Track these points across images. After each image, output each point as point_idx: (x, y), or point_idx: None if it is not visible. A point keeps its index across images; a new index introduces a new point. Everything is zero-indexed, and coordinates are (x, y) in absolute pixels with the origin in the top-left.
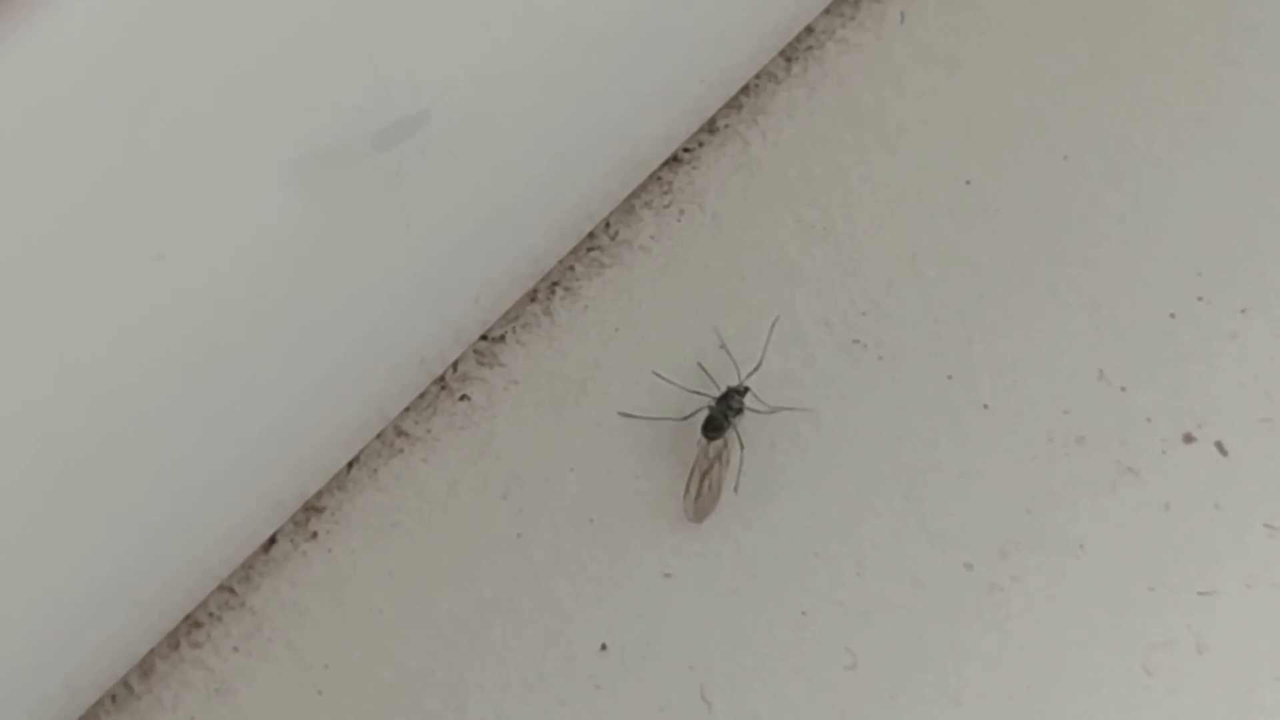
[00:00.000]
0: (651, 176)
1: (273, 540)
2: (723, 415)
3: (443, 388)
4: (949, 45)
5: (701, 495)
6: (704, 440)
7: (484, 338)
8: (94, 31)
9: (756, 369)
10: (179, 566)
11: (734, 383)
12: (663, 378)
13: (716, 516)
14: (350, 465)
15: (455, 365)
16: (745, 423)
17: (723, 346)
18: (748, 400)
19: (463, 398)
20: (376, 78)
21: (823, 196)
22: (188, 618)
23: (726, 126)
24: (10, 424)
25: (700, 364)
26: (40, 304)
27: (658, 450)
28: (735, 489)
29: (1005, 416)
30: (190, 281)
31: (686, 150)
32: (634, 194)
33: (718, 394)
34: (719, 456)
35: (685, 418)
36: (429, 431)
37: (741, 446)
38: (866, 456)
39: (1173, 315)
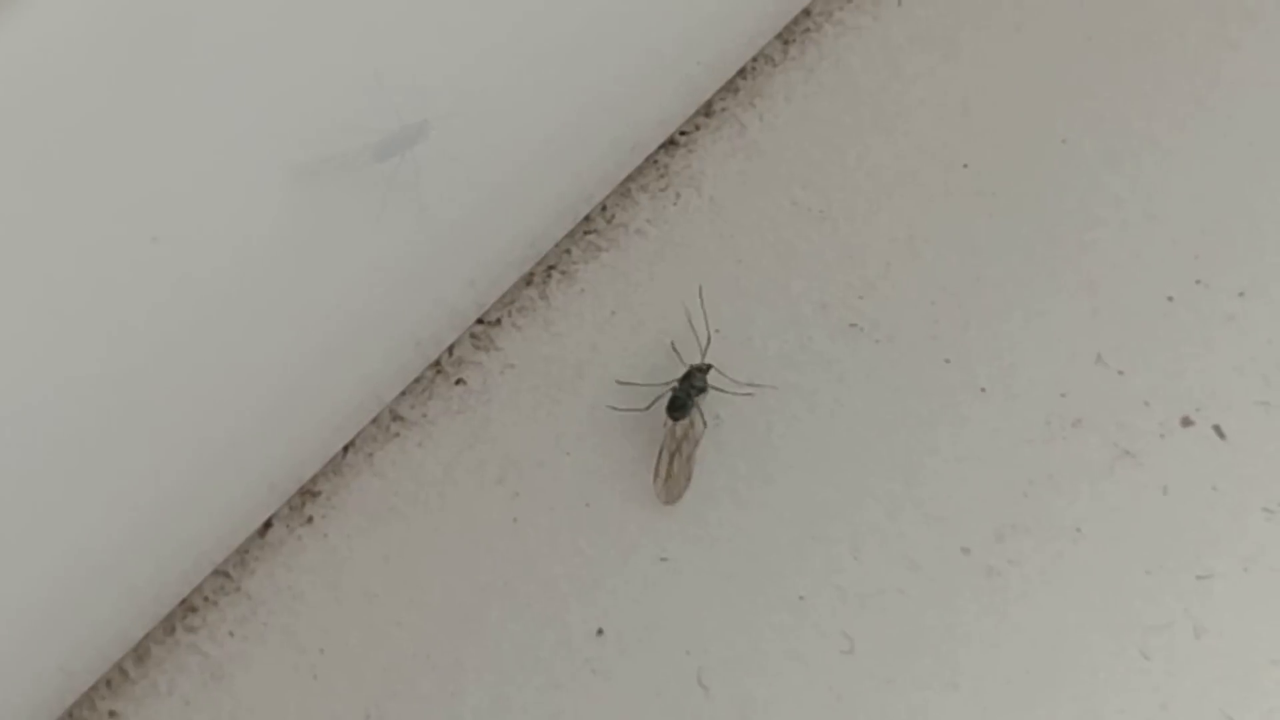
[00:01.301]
0: (648, 160)
1: (268, 525)
2: (685, 394)
3: (438, 372)
4: (947, 28)
5: (672, 476)
6: (669, 421)
7: (480, 321)
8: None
9: (708, 344)
10: (174, 550)
11: (696, 361)
12: (628, 383)
13: (713, 501)
14: (346, 449)
15: (451, 349)
16: (729, 404)
17: (690, 324)
18: (713, 379)
19: (458, 382)
20: (380, 90)
21: (820, 179)
22: (183, 602)
23: (723, 109)
24: (3, 405)
25: (672, 344)
26: (36, 285)
27: (654, 434)
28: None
29: (1002, 399)
30: (184, 264)
31: (683, 133)
32: (630, 178)
33: (681, 373)
34: (685, 436)
35: (648, 406)
36: (425, 416)
37: (704, 425)
38: (864, 440)
39: (1170, 298)
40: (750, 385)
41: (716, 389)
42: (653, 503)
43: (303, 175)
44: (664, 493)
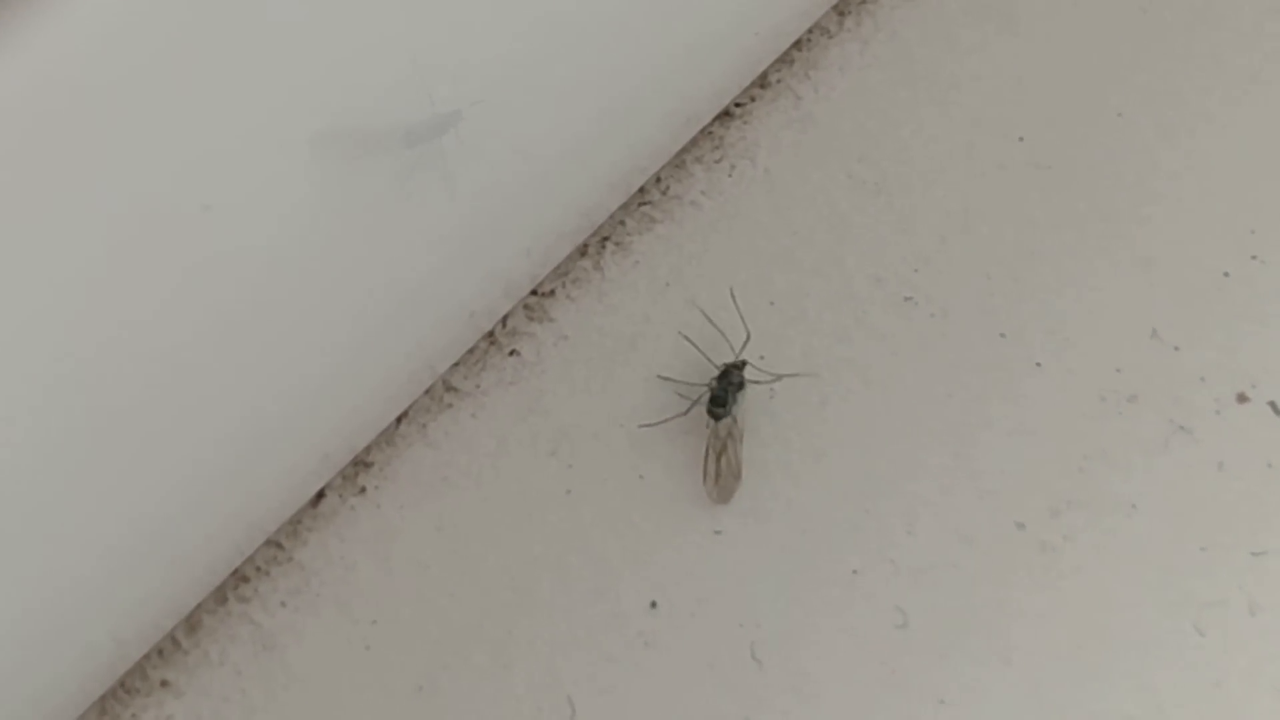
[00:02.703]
0: (703, 131)
1: (321, 495)
2: (725, 393)
3: (492, 343)
4: (1002, 1)
5: (722, 476)
6: (711, 421)
7: (534, 292)
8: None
9: (748, 338)
10: (226, 520)
11: (730, 359)
12: (666, 379)
13: (766, 475)
14: (399, 420)
15: (505, 320)
16: (783, 380)
17: (714, 324)
18: (748, 373)
19: (512, 353)
20: (417, 78)
21: (875, 152)
22: (235, 572)
23: (779, 81)
24: (61, 377)
25: (689, 338)
26: (92, 255)
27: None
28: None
29: (1057, 374)
30: (237, 234)
31: (738, 105)
32: (685, 149)
33: (716, 373)
34: (730, 434)
35: (687, 411)
36: (478, 387)
37: (740, 423)
38: (917, 414)
39: (1226, 274)
40: (784, 374)
41: (754, 381)
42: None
43: (345, 149)
44: (716, 493)
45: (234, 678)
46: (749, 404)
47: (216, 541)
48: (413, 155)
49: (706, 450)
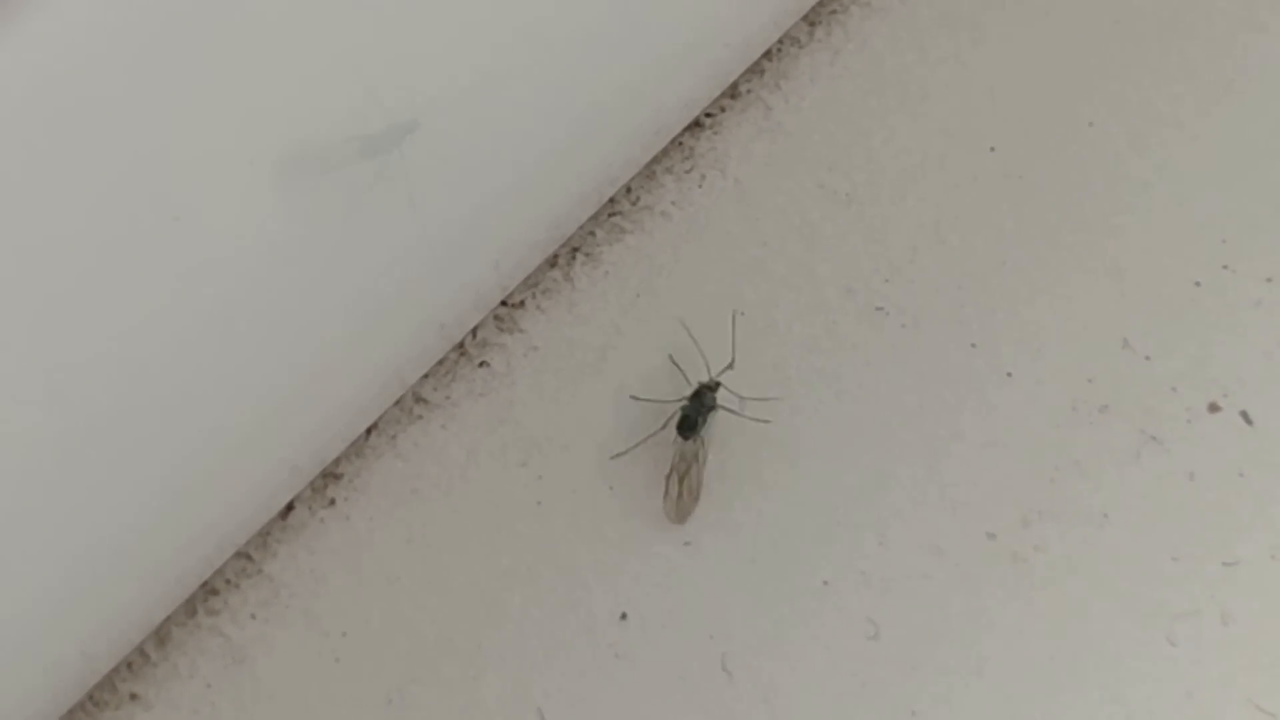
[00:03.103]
0: (673, 142)
1: (290, 507)
2: (697, 413)
3: (462, 354)
4: (973, 10)
5: (682, 497)
6: (679, 440)
7: (504, 303)
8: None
9: (730, 365)
10: (195, 533)
11: (705, 379)
12: (638, 398)
13: (737, 486)
14: (369, 432)
15: (475, 331)
16: (753, 390)
17: (695, 340)
18: (721, 396)
19: (482, 364)
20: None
21: (845, 162)
22: (205, 585)
23: (749, 91)
24: (26, 385)
25: (671, 357)
26: (61, 263)
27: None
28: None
29: (1029, 385)
30: (204, 246)
31: (708, 115)
32: (655, 159)
33: (689, 392)
34: (695, 457)
35: (657, 433)
36: (448, 398)
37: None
38: (889, 424)
39: (1198, 283)
40: (759, 399)
41: (726, 409)
42: None
43: (306, 163)
44: (674, 512)
45: (203, 690)
46: (717, 426)
47: (185, 554)
48: (373, 167)
49: (671, 470)
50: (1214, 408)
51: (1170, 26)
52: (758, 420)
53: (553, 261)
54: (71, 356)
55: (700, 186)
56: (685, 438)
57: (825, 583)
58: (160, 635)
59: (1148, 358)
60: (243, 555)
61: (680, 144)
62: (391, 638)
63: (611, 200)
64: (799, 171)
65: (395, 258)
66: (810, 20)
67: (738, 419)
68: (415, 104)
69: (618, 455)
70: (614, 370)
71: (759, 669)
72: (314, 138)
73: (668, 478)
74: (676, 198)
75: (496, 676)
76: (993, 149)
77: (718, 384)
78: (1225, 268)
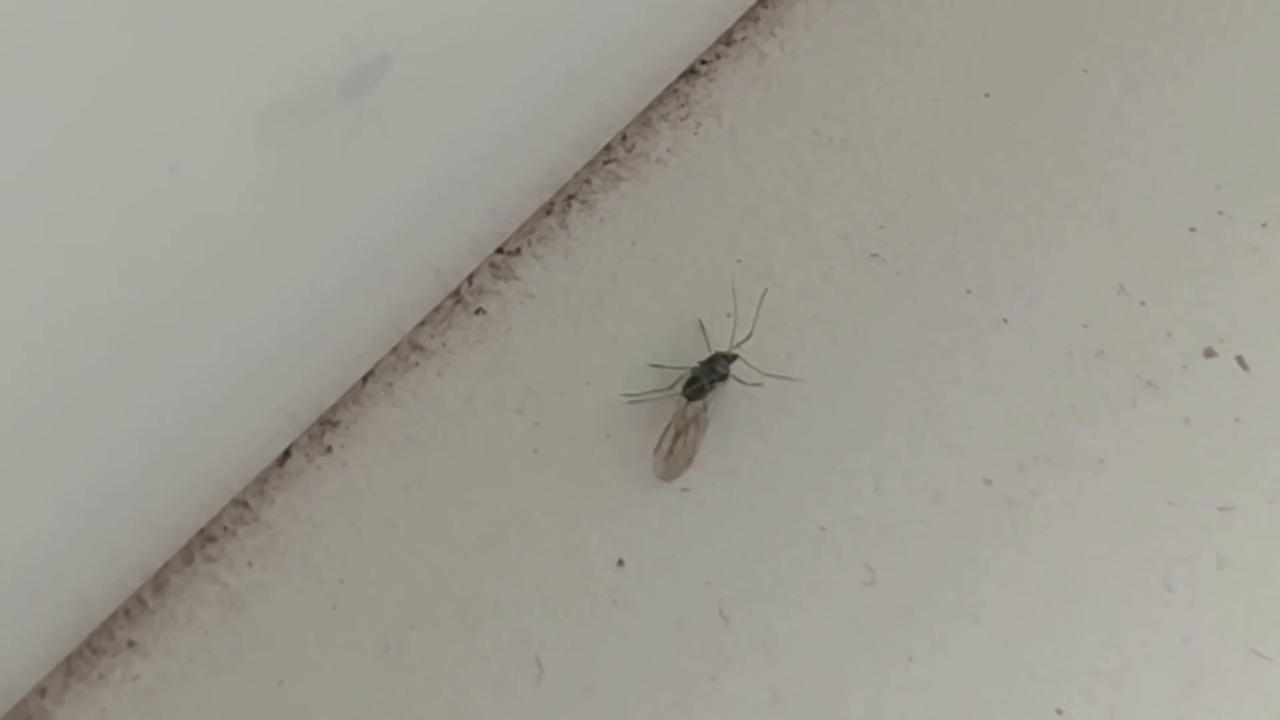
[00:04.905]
0: (668, 89)
1: (287, 454)
2: (707, 378)
3: (458, 301)
4: None
5: (673, 454)
6: (683, 400)
7: (499, 251)
8: None
9: (748, 338)
10: (192, 480)
11: (725, 349)
12: (659, 365)
13: (733, 431)
14: (365, 379)
15: (470, 279)
16: (729, 390)
17: (730, 315)
18: (736, 369)
19: (478, 311)
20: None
21: (840, 109)
22: (202, 532)
23: (744, 39)
24: (23, 330)
25: (700, 322)
26: (54, 212)
27: (678, 360)
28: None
29: (1024, 331)
30: (200, 193)
31: (703, 63)
32: (650, 107)
33: (706, 356)
34: (695, 419)
35: (671, 386)
36: (444, 345)
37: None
38: (885, 371)
39: (1193, 229)
40: (772, 376)
41: (738, 379)
42: None
43: (273, 122)
44: (662, 467)
45: (201, 637)
46: (724, 398)
47: (183, 501)
48: (354, 109)
49: (669, 425)
50: (1210, 353)
51: None
52: (786, 379)
53: (549, 209)
54: (67, 302)
55: (696, 134)
56: (690, 399)
57: (822, 529)
58: (158, 582)
59: (1143, 303)
60: (240, 503)
61: (676, 91)
62: (389, 585)
63: (607, 148)
64: (794, 118)
65: (390, 205)
66: None
67: (738, 369)
68: (397, 43)
69: (630, 398)
70: (610, 317)
71: (756, 615)
72: (297, 81)
73: (664, 432)
74: (672, 145)
75: (494, 623)
76: (988, 95)
77: (735, 356)
78: (1220, 213)
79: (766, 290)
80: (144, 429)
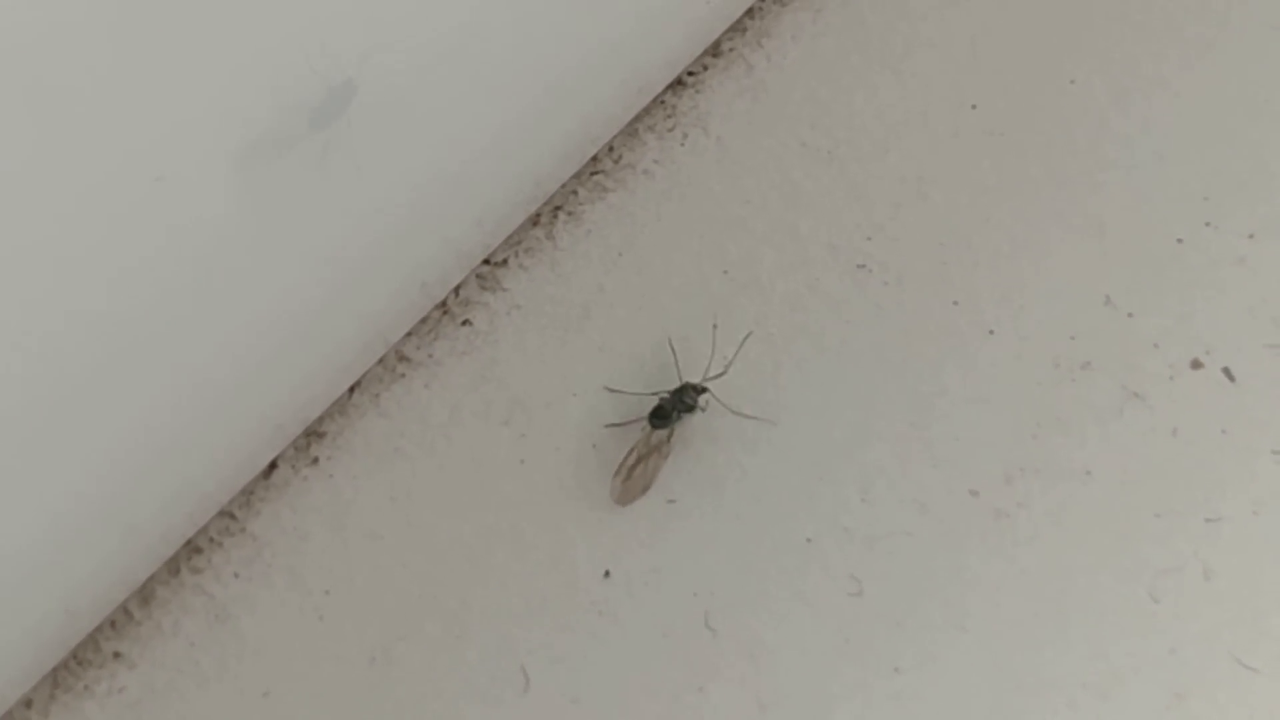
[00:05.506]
0: (655, 100)
1: (273, 465)
2: (672, 407)
3: (444, 312)
4: None
5: (630, 479)
6: (648, 426)
7: (486, 262)
8: None
9: (723, 374)
10: (179, 490)
11: (695, 381)
12: (617, 390)
13: (719, 442)
14: (352, 390)
15: (457, 290)
16: (701, 419)
17: (713, 339)
18: (704, 401)
19: (465, 322)
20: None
21: (827, 120)
22: (188, 543)
23: (731, 49)
24: (11, 344)
25: (670, 343)
26: (43, 220)
27: (662, 376)
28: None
29: (1011, 342)
30: (187, 204)
31: (690, 74)
32: (637, 118)
33: (676, 385)
34: (658, 448)
35: (643, 416)
36: (431, 356)
37: (669, 452)
38: (872, 381)
39: (1180, 240)
40: (744, 415)
41: (708, 408)
42: None
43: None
44: (619, 491)
45: (187, 649)
46: (690, 428)
47: (169, 512)
48: (341, 122)
49: (632, 449)
50: (1196, 364)
51: None
52: (754, 418)
53: (535, 220)
54: (52, 309)
55: (682, 145)
56: (655, 427)
57: (809, 540)
58: (144, 593)
59: (1130, 314)
60: (226, 514)
61: (662, 102)
62: (375, 596)
63: (594, 159)
64: (781, 129)
65: (377, 217)
66: None
67: (723, 378)
68: (381, 55)
69: (611, 425)
70: (597, 329)
71: (742, 626)
72: (281, 95)
73: (625, 456)
74: (659, 156)
75: (480, 634)
76: (974, 106)
77: (704, 389)
78: (1208, 224)
79: (750, 334)
80: (130, 440)
